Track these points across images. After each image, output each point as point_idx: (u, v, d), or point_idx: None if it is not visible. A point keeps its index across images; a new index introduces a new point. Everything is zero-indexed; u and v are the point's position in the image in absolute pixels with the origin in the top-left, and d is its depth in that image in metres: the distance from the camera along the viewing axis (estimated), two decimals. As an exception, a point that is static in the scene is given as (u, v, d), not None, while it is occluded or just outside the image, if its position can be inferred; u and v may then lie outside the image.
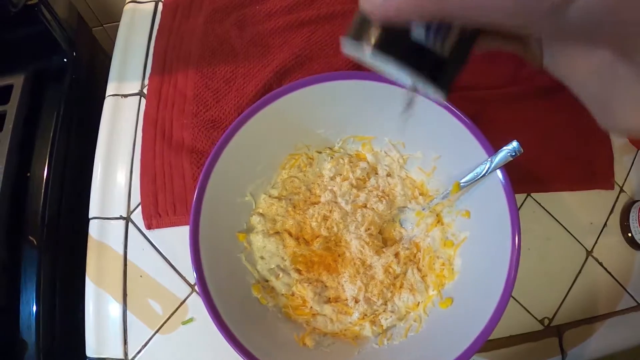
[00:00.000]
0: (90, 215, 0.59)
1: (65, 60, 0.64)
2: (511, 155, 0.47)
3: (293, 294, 0.50)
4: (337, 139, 0.54)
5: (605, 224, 0.64)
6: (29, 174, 0.60)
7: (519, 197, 0.62)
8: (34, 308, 0.57)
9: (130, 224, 0.58)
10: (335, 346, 0.48)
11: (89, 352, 0.56)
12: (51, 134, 0.61)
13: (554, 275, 0.62)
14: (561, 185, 0.63)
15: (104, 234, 0.58)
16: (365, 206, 0.52)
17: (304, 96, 0.49)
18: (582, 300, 0.62)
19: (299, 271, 0.50)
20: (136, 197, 0.59)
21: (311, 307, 0.50)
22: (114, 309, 0.57)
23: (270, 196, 0.52)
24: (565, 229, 0.63)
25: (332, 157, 0.53)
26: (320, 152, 0.54)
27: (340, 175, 0.53)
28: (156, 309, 0.56)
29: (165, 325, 0.56)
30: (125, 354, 0.56)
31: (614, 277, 0.63)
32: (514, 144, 0.47)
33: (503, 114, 0.63)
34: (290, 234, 0.51)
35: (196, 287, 0.45)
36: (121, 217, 0.58)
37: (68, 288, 0.60)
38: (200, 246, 0.46)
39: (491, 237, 0.49)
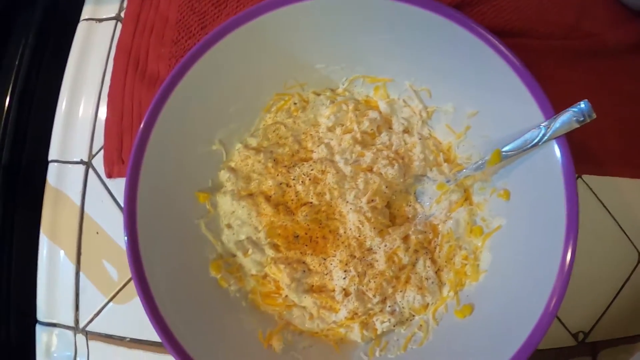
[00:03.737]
0: (50, 157, 0.43)
1: (36, -16, 0.47)
2: (578, 121, 0.29)
3: (265, 277, 0.33)
4: (343, 79, 0.35)
5: (669, 224, 0.43)
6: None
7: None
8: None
9: (90, 170, 0.42)
10: (311, 351, 0.31)
11: (40, 316, 0.43)
12: (15, 68, 0.45)
13: (596, 280, 0.42)
14: (623, 169, 0.43)
15: (62, 181, 0.42)
16: (370, 170, 0.33)
17: (298, 14, 0.30)
18: (625, 314, 0.43)
19: (276, 247, 0.33)
20: (100, 140, 0.42)
21: (286, 296, 0.32)
22: (67, 268, 0.41)
23: (246, 146, 0.34)
24: (619, 224, 0.43)
25: (332, 102, 0.34)
26: (318, 94, 0.35)
27: (342, 125, 0.34)
28: (112, 273, 0.40)
29: (120, 293, 0.40)
30: (77, 321, 0.41)
31: (667, 289, 0.43)
32: (583, 104, 0.28)
33: (564, 72, 0.42)
34: (267, 199, 0.33)
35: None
36: (82, 162, 0.42)
37: (25, 238, 0.44)
38: (138, 205, 0.29)
39: (535, 232, 0.30)
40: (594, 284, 0.43)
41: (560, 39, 0.44)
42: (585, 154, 0.42)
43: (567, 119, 0.29)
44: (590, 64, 0.44)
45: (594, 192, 0.43)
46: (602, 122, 0.43)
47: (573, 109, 0.29)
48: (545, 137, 0.30)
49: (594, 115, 0.29)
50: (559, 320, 0.41)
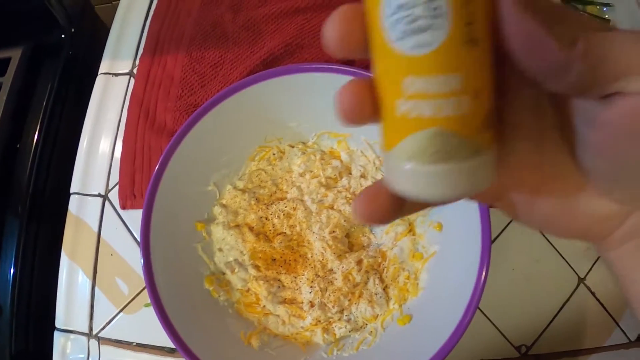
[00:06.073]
0: (72, 190, 0.58)
1: (63, 36, 0.63)
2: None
3: (248, 290, 0.47)
4: (312, 134, 0.50)
5: (603, 251, 0.56)
6: (18, 146, 0.60)
7: (509, 213, 0.56)
8: (12, 272, 0.57)
9: (107, 202, 0.57)
10: (283, 349, 0.44)
11: (58, 324, 0.56)
12: (42, 109, 0.60)
13: (538, 299, 0.55)
14: (558, 203, 0.56)
15: (82, 210, 0.57)
16: (332, 207, 0.47)
17: (277, 86, 0.45)
18: (566, 330, 0.55)
19: (257, 267, 0.47)
20: (115, 176, 0.57)
21: (264, 306, 0.46)
22: (84, 283, 0.55)
23: (235, 188, 0.48)
24: (558, 252, 0.56)
25: (303, 153, 0.49)
26: (292, 147, 0.50)
27: (311, 172, 0.49)
28: (122, 288, 0.55)
29: (129, 305, 0.54)
30: (90, 328, 0.55)
31: (606, 309, 0.55)
32: None
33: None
34: (250, 229, 0.47)
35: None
36: (99, 195, 0.57)
37: (47, 258, 0.59)
38: (151, 230, 0.43)
39: (460, 256, 0.43)
40: (536, 304, 0.55)
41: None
42: (525, 191, 0.56)
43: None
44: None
45: (534, 224, 0.56)
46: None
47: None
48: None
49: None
50: (502, 334, 0.54)
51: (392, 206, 0.19)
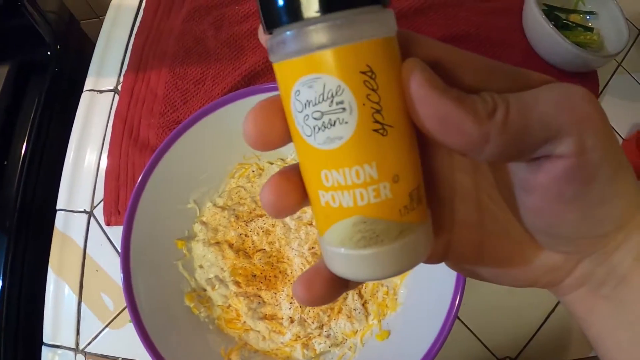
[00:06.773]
0: (58, 207, 0.60)
1: (49, 53, 0.65)
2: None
3: (229, 306, 0.48)
4: (291, 151, 0.51)
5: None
6: (6, 162, 0.62)
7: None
8: (0, 287, 0.59)
9: (92, 219, 0.58)
10: (262, 366, 0.46)
11: (45, 339, 0.57)
12: (29, 125, 0.62)
13: (522, 312, 0.56)
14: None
15: (68, 226, 0.59)
16: (310, 224, 0.49)
17: (252, 104, 0.47)
18: (551, 341, 0.56)
19: (237, 284, 0.48)
20: (101, 193, 0.59)
21: (245, 322, 0.48)
22: (70, 299, 0.57)
23: (215, 205, 0.50)
24: (541, 263, 0.57)
25: (282, 170, 0.51)
26: (271, 163, 0.51)
27: (290, 189, 0.50)
28: (108, 304, 0.56)
29: (115, 320, 0.56)
30: (77, 343, 0.57)
31: (590, 320, 0.56)
32: None
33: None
34: (230, 246, 0.49)
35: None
36: (85, 211, 0.59)
37: (34, 273, 0.61)
38: (131, 248, 0.45)
39: (438, 271, 0.44)
40: (520, 315, 0.56)
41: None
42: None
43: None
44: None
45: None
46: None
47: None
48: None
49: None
50: (485, 346, 0.55)
51: (333, 288, 0.19)
